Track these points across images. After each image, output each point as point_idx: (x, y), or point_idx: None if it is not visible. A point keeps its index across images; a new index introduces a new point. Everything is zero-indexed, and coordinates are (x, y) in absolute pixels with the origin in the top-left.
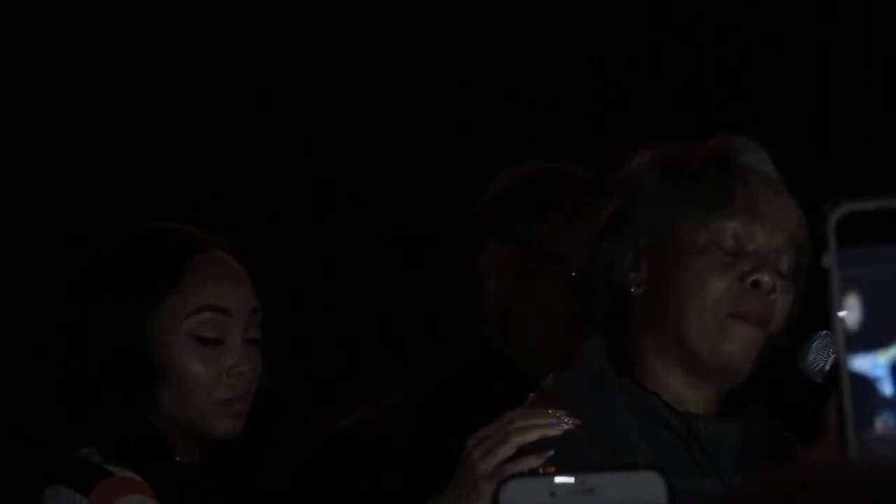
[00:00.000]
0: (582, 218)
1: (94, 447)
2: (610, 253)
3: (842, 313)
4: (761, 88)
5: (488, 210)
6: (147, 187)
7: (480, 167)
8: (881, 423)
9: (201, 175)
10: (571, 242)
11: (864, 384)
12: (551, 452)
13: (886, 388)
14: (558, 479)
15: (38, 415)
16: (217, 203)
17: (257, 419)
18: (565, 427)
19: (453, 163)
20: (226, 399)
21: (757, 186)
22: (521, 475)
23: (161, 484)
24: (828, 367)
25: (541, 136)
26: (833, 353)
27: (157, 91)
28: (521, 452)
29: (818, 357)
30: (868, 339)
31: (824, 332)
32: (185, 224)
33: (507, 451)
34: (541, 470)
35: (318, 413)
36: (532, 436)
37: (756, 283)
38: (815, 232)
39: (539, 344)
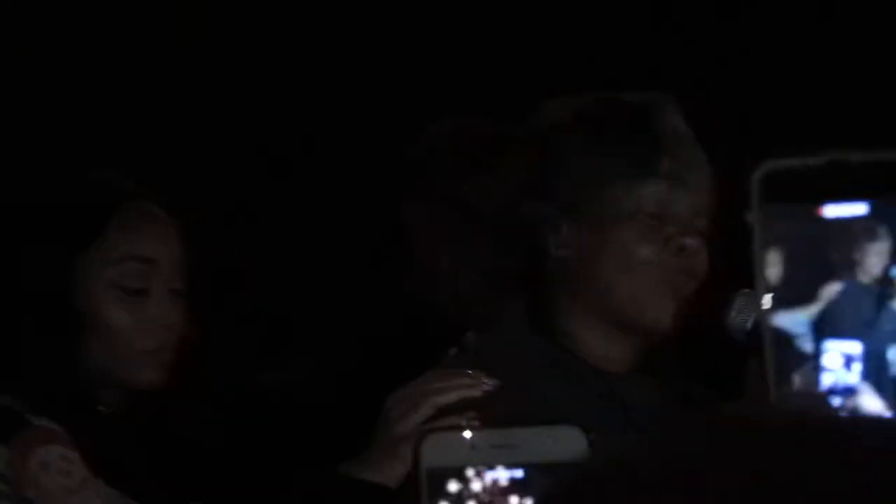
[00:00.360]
0: (509, 173)
1: (15, 396)
2: (531, 212)
3: (764, 270)
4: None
5: (414, 164)
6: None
7: None
8: (801, 377)
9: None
10: (497, 198)
11: (786, 340)
12: (471, 413)
13: (806, 345)
14: (479, 434)
15: None
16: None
17: (180, 370)
18: (484, 387)
19: None
20: (149, 349)
21: (679, 152)
22: (442, 429)
23: (82, 434)
24: (749, 325)
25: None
26: (755, 312)
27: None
28: (441, 413)
29: (741, 315)
30: (789, 297)
31: (747, 290)
32: (115, 173)
33: (425, 411)
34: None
35: (241, 365)
36: (451, 396)
37: (682, 247)
38: (741, 190)
39: (464, 299)
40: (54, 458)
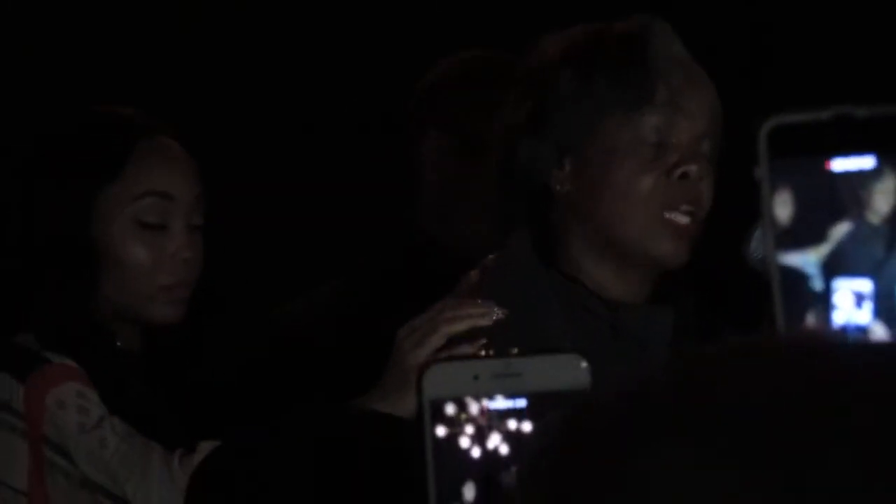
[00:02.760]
0: (508, 112)
1: (32, 333)
2: (530, 149)
3: (772, 223)
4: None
5: (424, 99)
6: (97, 72)
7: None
8: (812, 317)
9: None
10: (499, 135)
11: (796, 280)
12: (483, 341)
13: (817, 285)
14: (481, 363)
15: None
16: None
17: (198, 306)
18: (495, 317)
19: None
20: (167, 285)
21: (675, 76)
22: (445, 359)
23: (99, 371)
24: None
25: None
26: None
27: None
28: (452, 342)
29: (760, 246)
30: (799, 238)
31: None
32: (132, 108)
33: (437, 340)
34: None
35: (257, 301)
36: (462, 325)
37: (684, 175)
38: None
39: (474, 232)
40: (71, 396)
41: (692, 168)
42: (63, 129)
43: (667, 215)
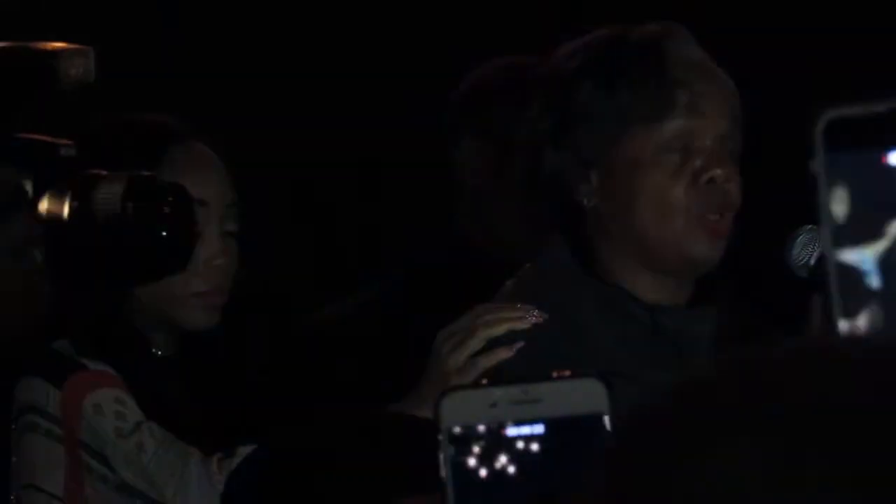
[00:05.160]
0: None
1: (69, 339)
2: (554, 162)
3: (829, 218)
4: None
5: (461, 106)
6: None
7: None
8: (868, 314)
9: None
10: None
11: (852, 277)
12: (521, 344)
13: (873, 281)
14: (498, 390)
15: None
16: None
17: (232, 312)
18: (533, 321)
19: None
20: (202, 291)
21: (693, 82)
22: (462, 387)
23: (135, 377)
24: (812, 261)
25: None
26: (818, 248)
27: None
28: (491, 346)
29: (803, 251)
30: (855, 234)
31: (809, 226)
32: (164, 115)
33: (476, 344)
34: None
35: (293, 305)
36: (500, 329)
37: (711, 180)
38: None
39: (511, 235)
40: (108, 401)
41: (718, 173)
42: (95, 135)
43: (696, 222)
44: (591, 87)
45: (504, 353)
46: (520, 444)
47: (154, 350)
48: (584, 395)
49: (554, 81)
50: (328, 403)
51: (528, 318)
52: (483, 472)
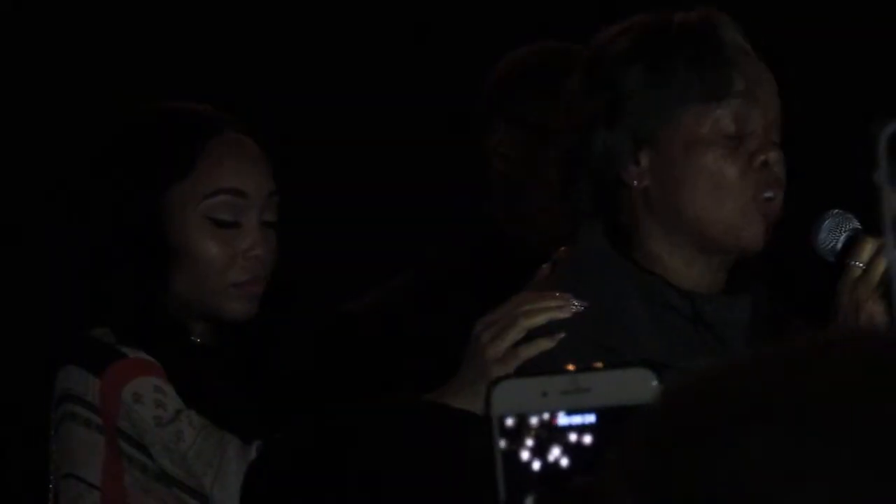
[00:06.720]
0: (579, 104)
1: (109, 328)
2: (604, 142)
3: (894, 226)
4: None
5: (493, 92)
6: (159, 66)
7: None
8: None
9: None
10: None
11: None
12: (562, 335)
13: None
14: (549, 379)
15: (53, 296)
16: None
17: (271, 302)
18: (573, 309)
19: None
20: (240, 281)
21: (747, 67)
22: (513, 377)
23: (174, 365)
24: (839, 246)
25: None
26: (844, 232)
27: None
28: (531, 335)
29: (830, 236)
30: None
31: (836, 210)
32: (202, 104)
33: (516, 334)
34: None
35: (330, 295)
36: (540, 319)
37: (765, 163)
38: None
39: (546, 223)
40: (148, 390)
41: (771, 155)
42: (135, 125)
43: (752, 204)
44: (645, 66)
45: (545, 344)
46: (572, 434)
47: (193, 338)
48: (633, 385)
49: (603, 62)
50: (364, 393)
51: (568, 306)
52: (532, 460)
